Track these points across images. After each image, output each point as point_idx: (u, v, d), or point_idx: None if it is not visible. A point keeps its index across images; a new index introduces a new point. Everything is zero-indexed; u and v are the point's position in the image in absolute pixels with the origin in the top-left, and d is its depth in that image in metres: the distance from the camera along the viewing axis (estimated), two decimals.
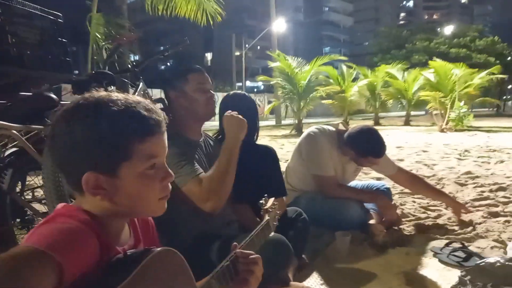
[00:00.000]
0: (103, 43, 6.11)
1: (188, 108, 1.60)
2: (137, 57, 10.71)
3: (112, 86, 2.45)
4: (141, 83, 2.87)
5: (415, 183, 2.70)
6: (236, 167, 1.70)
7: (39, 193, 2.57)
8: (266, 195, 1.29)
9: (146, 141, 0.74)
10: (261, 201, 1.25)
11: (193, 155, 1.54)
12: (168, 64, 36.30)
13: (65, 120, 0.73)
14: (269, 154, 1.93)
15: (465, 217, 2.58)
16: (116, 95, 0.76)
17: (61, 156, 0.73)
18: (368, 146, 2.32)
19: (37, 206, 2.29)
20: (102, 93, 0.77)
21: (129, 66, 2.96)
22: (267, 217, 1.19)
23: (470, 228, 2.44)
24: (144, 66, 2.94)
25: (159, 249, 0.73)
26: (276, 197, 1.34)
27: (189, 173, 1.45)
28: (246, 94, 2.05)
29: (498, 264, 1.54)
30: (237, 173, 1.73)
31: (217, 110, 1.76)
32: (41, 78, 2.16)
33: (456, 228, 2.46)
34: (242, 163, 1.75)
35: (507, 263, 1.53)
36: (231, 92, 2.03)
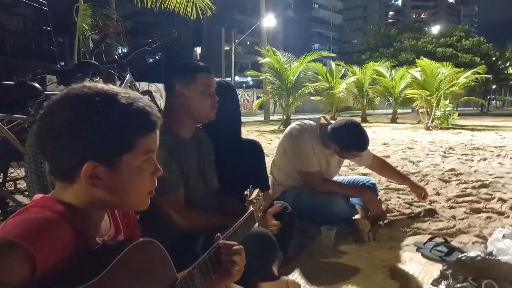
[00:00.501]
0: (90, 33, 6.00)
1: (189, 107, 1.52)
2: (124, 50, 10.56)
3: (98, 77, 2.41)
4: (128, 75, 2.84)
5: (384, 168, 2.83)
6: (223, 161, 1.71)
7: (22, 184, 2.53)
8: (250, 186, 1.29)
9: (147, 136, 0.77)
10: (245, 192, 1.25)
11: (181, 156, 1.50)
12: (157, 57, 35.94)
13: (69, 107, 0.72)
14: (255, 148, 1.92)
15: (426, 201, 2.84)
16: (117, 87, 0.77)
17: (56, 143, 0.72)
18: (353, 140, 2.34)
19: (19, 197, 2.25)
20: (102, 84, 0.77)
21: (116, 57, 2.92)
22: (251, 208, 1.19)
23: (435, 216, 2.67)
24: (131, 58, 2.91)
25: (139, 239, 0.73)
26: (261, 191, 1.33)
27: (170, 186, 1.43)
28: (229, 82, 1.98)
29: (479, 258, 1.57)
30: (223, 166, 1.73)
31: None
32: (25, 66, 2.11)
33: (439, 223, 2.50)
34: (229, 157, 1.75)
35: (487, 257, 1.56)
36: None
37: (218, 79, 1.73)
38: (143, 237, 0.75)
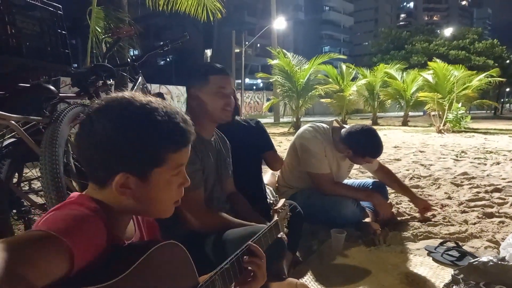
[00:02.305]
0: (103, 37, 6.07)
1: (203, 109, 1.56)
2: (136, 52, 10.67)
3: (111, 80, 2.45)
4: (140, 77, 2.87)
5: (388, 177, 2.77)
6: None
7: (36, 185, 2.57)
8: (277, 196, 1.31)
9: (180, 151, 0.79)
10: (270, 201, 1.25)
11: (203, 156, 1.55)
12: (168, 59, 36.20)
13: (108, 119, 0.74)
14: (257, 128, 2.16)
15: (427, 213, 2.71)
16: (157, 100, 0.79)
17: (93, 153, 0.75)
18: (368, 146, 2.35)
19: (33, 197, 2.28)
20: (141, 96, 0.79)
21: (129, 60, 2.96)
22: (276, 217, 1.19)
23: (433, 221, 2.62)
24: (143, 60, 2.95)
25: (164, 241, 0.74)
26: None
27: (192, 184, 1.44)
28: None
29: (491, 263, 1.55)
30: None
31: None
32: (40, 69, 2.15)
33: (451, 228, 2.47)
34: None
35: (499, 262, 1.55)
36: None
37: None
38: (168, 240, 0.77)
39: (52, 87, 1.97)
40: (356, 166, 2.93)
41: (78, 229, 0.65)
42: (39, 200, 2.15)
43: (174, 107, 0.81)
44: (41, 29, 2.04)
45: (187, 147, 0.81)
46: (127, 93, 0.78)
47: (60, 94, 2.10)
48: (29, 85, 1.99)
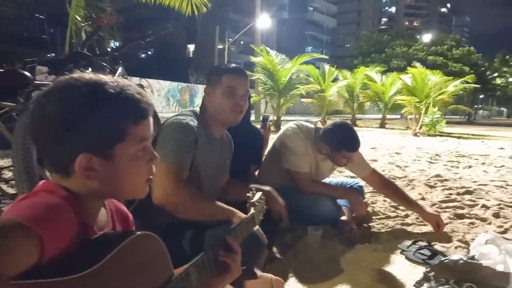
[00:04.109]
0: (83, 25, 5.92)
1: (212, 107, 1.57)
2: (117, 43, 10.47)
3: (89, 69, 2.39)
4: (120, 68, 2.81)
5: (387, 187, 2.65)
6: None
7: (7, 175, 2.49)
8: (254, 188, 1.30)
9: (139, 123, 0.76)
10: (248, 194, 1.25)
11: (206, 152, 1.54)
12: (149, 52, 35.65)
13: (56, 100, 0.71)
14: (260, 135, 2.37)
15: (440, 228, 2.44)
16: (105, 77, 0.76)
17: (50, 137, 0.71)
18: (342, 139, 2.33)
19: (4, 187, 2.21)
20: (90, 74, 0.76)
21: (109, 49, 2.89)
22: (252, 210, 1.19)
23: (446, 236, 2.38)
24: (124, 51, 2.89)
25: (139, 232, 0.73)
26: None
27: (169, 155, 1.39)
28: None
29: (461, 261, 1.60)
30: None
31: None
32: (16, 53, 2.08)
33: (423, 227, 2.54)
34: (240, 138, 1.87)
35: (469, 261, 1.60)
36: None
37: None
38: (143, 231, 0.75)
39: (27, 74, 1.92)
40: (340, 168, 2.89)
41: (48, 218, 0.62)
42: (10, 190, 2.09)
43: (126, 81, 0.78)
44: (18, 13, 1.97)
45: (146, 119, 0.78)
46: (74, 74, 0.75)
47: (35, 82, 2.04)
48: (3, 70, 1.92)
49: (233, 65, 1.65)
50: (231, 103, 1.54)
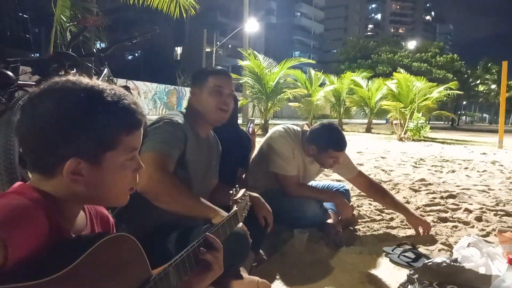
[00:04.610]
0: (68, 25, 5.84)
1: (200, 107, 1.62)
2: (103, 45, 10.36)
3: (74, 69, 2.35)
4: (106, 69, 2.78)
5: (374, 190, 2.66)
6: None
7: None
8: (237, 185, 1.29)
9: (132, 134, 0.77)
10: (230, 191, 1.24)
11: (195, 151, 1.56)
12: (136, 54, 35.39)
13: (52, 102, 0.70)
14: (248, 138, 2.39)
15: (424, 231, 2.46)
16: (102, 83, 0.76)
17: (38, 138, 0.70)
18: (329, 139, 2.34)
19: None
20: (87, 79, 0.76)
21: (95, 50, 2.86)
22: (235, 208, 1.18)
23: (431, 239, 2.37)
24: (110, 52, 2.86)
25: (113, 234, 0.72)
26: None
27: (156, 145, 1.41)
28: None
29: (444, 264, 1.63)
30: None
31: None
32: None
33: (408, 231, 2.56)
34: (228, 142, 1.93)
35: (452, 263, 1.62)
36: None
37: None
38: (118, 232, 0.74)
39: (10, 73, 1.88)
40: (326, 171, 2.91)
41: (12, 220, 0.61)
42: None
43: (122, 90, 0.78)
44: (0, 11, 1.94)
45: (139, 130, 0.79)
46: (71, 77, 0.75)
47: (19, 81, 2.00)
48: None
49: (218, 67, 1.73)
50: (218, 101, 1.59)
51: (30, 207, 0.65)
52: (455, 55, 36.43)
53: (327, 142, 2.35)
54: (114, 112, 0.73)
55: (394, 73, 13.90)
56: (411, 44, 40.42)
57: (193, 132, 1.60)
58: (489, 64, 40.12)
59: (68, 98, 0.71)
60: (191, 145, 1.54)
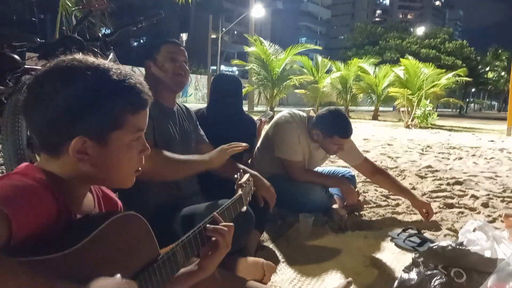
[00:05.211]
0: (73, 9, 5.82)
1: (159, 76, 1.63)
2: (109, 31, 10.34)
3: (80, 53, 2.35)
4: (111, 54, 2.77)
5: (379, 175, 2.66)
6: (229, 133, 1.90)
7: None
8: (241, 170, 1.30)
9: (138, 113, 0.77)
10: (235, 176, 1.25)
11: (164, 122, 1.60)
12: (141, 40, 35.26)
13: (58, 80, 0.70)
14: (253, 123, 2.42)
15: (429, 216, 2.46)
16: (108, 62, 0.76)
17: (44, 116, 0.70)
18: (334, 124, 2.33)
19: None
20: (93, 58, 0.76)
21: (100, 35, 2.85)
22: (240, 192, 1.19)
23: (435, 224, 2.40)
24: (115, 38, 2.84)
25: (123, 212, 0.72)
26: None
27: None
28: (234, 75, 2.34)
29: (449, 248, 1.62)
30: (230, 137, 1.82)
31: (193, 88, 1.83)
32: (4, 36, 2.04)
33: (413, 216, 2.56)
34: (233, 129, 2.01)
35: (457, 247, 1.62)
36: (220, 74, 2.32)
37: (225, 72, 2.11)
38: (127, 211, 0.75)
39: (17, 57, 1.89)
40: (332, 157, 2.89)
41: (17, 199, 0.61)
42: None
43: (129, 71, 0.78)
44: None
45: (145, 110, 0.79)
46: (77, 56, 0.75)
47: (25, 66, 2.01)
48: None
49: (167, 38, 1.75)
50: (174, 66, 1.63)
51: (33, 186, 0.66)
52: (464, 41, 35.84)
53: (332, 127, 2.34)
54: (120, 91, 0.73)
55: (402, 60, 13.72)
56: (420, 30, 39.83)
57: (158, 106, 1.59)
58: (499, 51, 39.49)
59: (74, 77, 0.71)
60: (158, 119, 1.56)
